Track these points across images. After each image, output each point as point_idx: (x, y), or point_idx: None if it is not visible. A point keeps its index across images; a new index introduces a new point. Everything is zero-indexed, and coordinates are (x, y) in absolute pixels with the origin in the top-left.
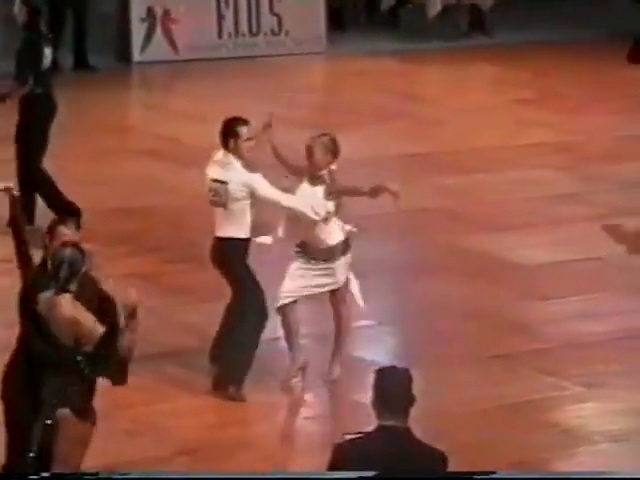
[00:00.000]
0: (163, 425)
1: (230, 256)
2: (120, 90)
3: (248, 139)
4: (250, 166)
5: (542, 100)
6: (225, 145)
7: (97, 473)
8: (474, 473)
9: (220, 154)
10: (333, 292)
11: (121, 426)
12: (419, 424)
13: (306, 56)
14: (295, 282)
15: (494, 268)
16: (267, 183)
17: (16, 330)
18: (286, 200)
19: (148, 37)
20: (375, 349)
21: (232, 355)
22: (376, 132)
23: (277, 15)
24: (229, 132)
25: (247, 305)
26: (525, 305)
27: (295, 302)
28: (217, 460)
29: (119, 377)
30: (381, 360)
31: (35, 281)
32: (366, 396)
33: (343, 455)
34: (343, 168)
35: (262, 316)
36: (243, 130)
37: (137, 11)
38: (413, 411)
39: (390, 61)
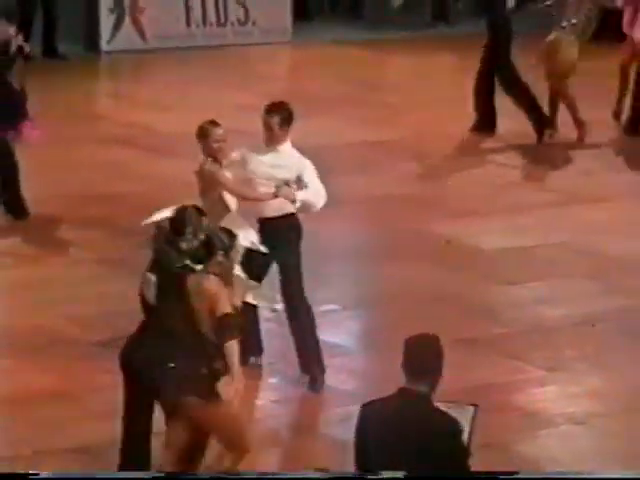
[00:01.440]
0: None
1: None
2: (89, 78)
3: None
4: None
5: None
6: None
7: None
8: (498, 473)
9: None
10: None
11: (92, 409)
12: None
13: (272, 45)
14: None
15: (458, 253)
16: None
17: None
18: None
19: (116, 26)
20: (339, 333)
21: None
22: (341, 119)
23: (244, 5)
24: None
25: None
26: (488, 290)
27: None
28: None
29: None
30: (345, 344)
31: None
32: (331, 378)
33: (363, 416)
34: (310, 155)
35: None
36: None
37: (105, 1)
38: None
39: (354, 50)
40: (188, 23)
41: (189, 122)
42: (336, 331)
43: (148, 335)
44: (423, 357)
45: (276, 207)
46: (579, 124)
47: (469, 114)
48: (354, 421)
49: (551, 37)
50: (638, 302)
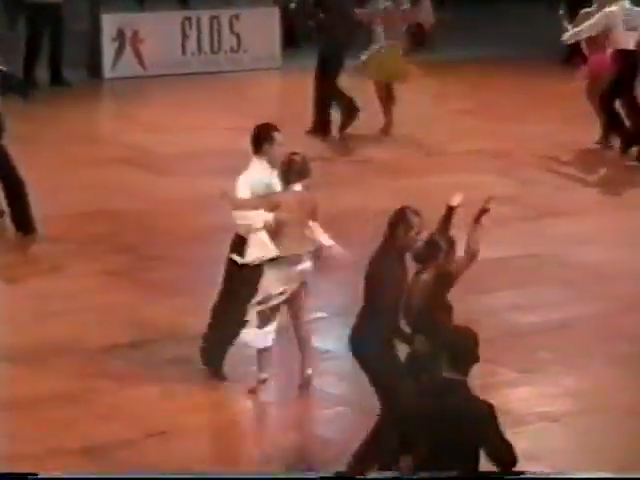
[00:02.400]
0: (134, 410)
1: None
2: (92, 103)
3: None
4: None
5: (480, 110)
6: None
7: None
8: (505, 473)
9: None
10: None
11: (95, 411)
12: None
13: (263, 71)
14: None
15: None
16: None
17: None
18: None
19: (118, 55)
20: (331, 340)
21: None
22: (325, 139)
23: (236, 34)
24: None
25: None
26: (467, 298)
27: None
28: (186, 441)
29: None
30: (336, 350)
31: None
32: (323, 382)
33: (408, 402)
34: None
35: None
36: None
37: (108, 31)
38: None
39: (342, 77)
40: (184, 51)
41: (186, 142)
42: (328, 338)
43: None
44: (465, 349)
45: None
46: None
47: (447, 134)
48: (342, 421)
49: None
50: (611, 307)
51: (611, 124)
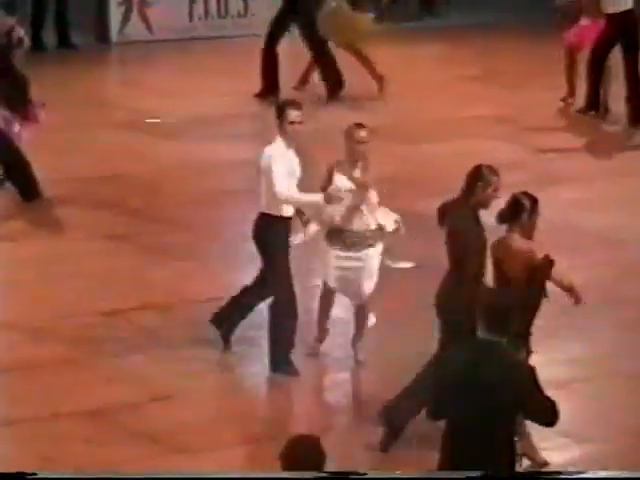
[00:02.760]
0: (138, 374)
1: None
2: (100, 67)
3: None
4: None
5: (486, 77)
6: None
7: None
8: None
9: None
10: None
11: (99, 374)
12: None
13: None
14: None
15: (438, 228)
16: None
17: None
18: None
19: (125, 19)
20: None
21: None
22: (334, 106)
23: None
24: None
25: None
26: None
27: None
28: (190, 406)
29: None
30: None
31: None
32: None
33: (443, 363)
34: (309, 137)
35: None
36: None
37: None
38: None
39: None
40: (191, 16)
41: (192, 107)
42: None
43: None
44: (498, 312)
45: None
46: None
47: (452, 100)
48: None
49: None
50: (617, 273)
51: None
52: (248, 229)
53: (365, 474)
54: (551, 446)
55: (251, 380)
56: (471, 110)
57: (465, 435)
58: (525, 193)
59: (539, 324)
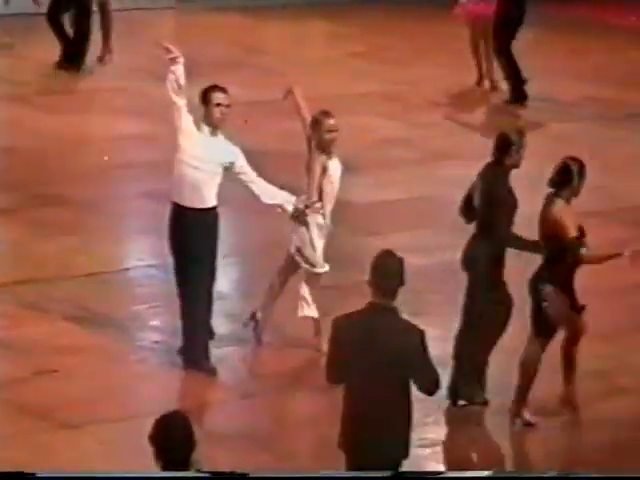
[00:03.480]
0: (22, 348)
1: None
2: None
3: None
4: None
5: (371, 53)
6: None
7: None
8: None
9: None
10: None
11: None
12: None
13: (159, 11)
14: None
15: None
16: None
17: None
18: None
19: None
20: (223, 281)
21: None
22: (223, 81)
23: None
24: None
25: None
26: (357, 240)
27: None
28: (75, 380)
29: None
30: (228, 292)
31: None
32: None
33: (337, 327)
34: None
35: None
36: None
37: None
38: None
39: (235, 17)
40: None
41: (76, 82)
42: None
43: None
44: (390, 274)
45: None
46: None
47: (339, 76)
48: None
49: None
50: None
51: (509, 70)
52: (137, 204)
53: (246, 474)
54: None
55: (135, 356)
56: (357, 87)
57: (362, 398)
58: (573, 158)
59: (421, 300)
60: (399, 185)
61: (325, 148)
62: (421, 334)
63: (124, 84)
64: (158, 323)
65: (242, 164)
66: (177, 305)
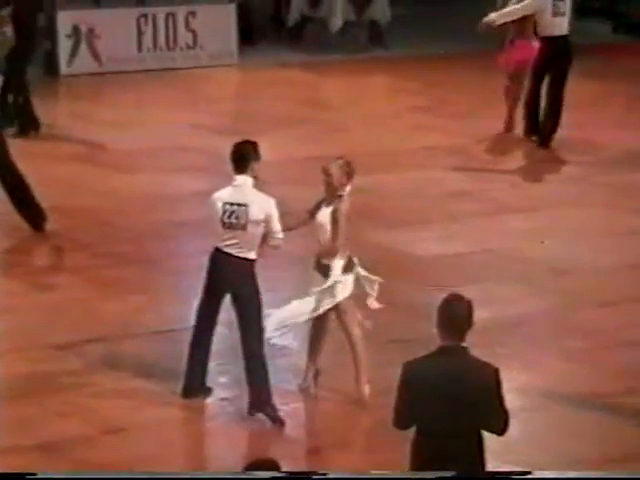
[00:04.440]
0: (91, 406)
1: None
2: (49, 100)
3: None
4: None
5: (434, 107)
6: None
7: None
8: (511, 473)
9: (240, 178)
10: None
11: (53, 408)
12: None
13: (219, 68)
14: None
15: (396, 260)
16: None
17: None
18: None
19: (74, 51)
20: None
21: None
22: (284, 137)
23: (192, 31)
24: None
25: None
26: (425, 294)
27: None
28: (143, 438)
29: None
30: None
31: None
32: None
33: (409, 371)
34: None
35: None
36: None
37: (63, 28)
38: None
39: (296, 72)
40: (140, 48)
41: (143, 140)
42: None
43: None
44: (459, 315)
45: None
46: None
47: (402, 131)
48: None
49: None
50: (564, 303)
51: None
52: (199, 261)
53: (326, 474)
54: None
55: (205, 413)
56: (420, 141)
57: (437, 440)
58: None
59: (487, 353)
60: (464, 238)
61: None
62: (496, 371)
63: (187, 141)
64: (225, 380)
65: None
66: (243, 362)
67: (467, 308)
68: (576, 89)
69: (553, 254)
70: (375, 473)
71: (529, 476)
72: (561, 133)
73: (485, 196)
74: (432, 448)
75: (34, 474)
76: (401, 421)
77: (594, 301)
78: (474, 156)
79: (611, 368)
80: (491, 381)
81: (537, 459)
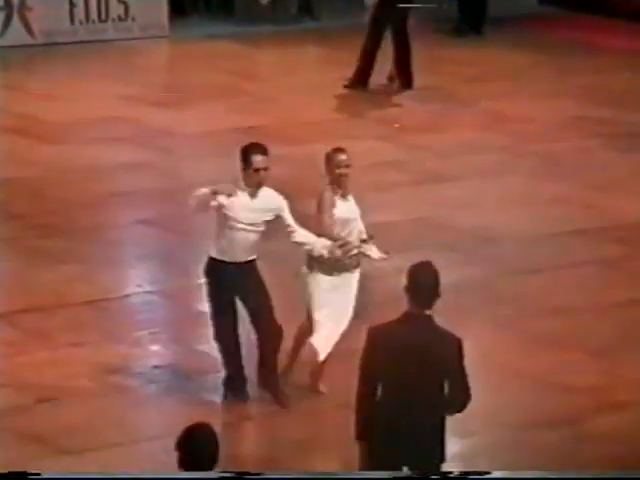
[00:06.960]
0: (25, 376)
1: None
2: None
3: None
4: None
5: None
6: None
7: None
8: (468, 473)
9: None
10: None
11: None
12: None
13: (151, 40)
14: None
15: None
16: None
17: None
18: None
19: (6, 24)
20: None
21: None
22: (215, 108)
23: (124, 3)
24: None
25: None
26: None
27: None
28: (76, 408)
29: None
30: None
31: None
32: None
33: (373, 337)
34: (187, 140)
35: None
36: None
37: None
38: None
39: (227, 44)
40: (72, 20)
41: (74, 111)
42: None
43: None
44: (427, 284)
45: None
46: None
47: (332, 101)
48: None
49: None
50: (493, 271)
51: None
52: (129, 232)
53: (260, 474)
54: None
55: (138, 380)
56: (349, 111)
57: (397, 405)
58: None
59: None
60: (393, 207)
61: (337, 184)
62: (459, 341)
63: (118, 112)
64: (158, 349)
65: (286, 216)
66: (175, 331)
67: (435, 277)
68: (504, 60)
69: (481, 222)
70: (317, 472)
71: (487, 476)
72: (489, 103)
73: (415, 166)
74: (394, 408)
75: (38, 474)
76: (365, 382)
77: (521, 268)
78: (403, 126)
79: (539, 335)
80: (454, 351)
81: (468, 425)
